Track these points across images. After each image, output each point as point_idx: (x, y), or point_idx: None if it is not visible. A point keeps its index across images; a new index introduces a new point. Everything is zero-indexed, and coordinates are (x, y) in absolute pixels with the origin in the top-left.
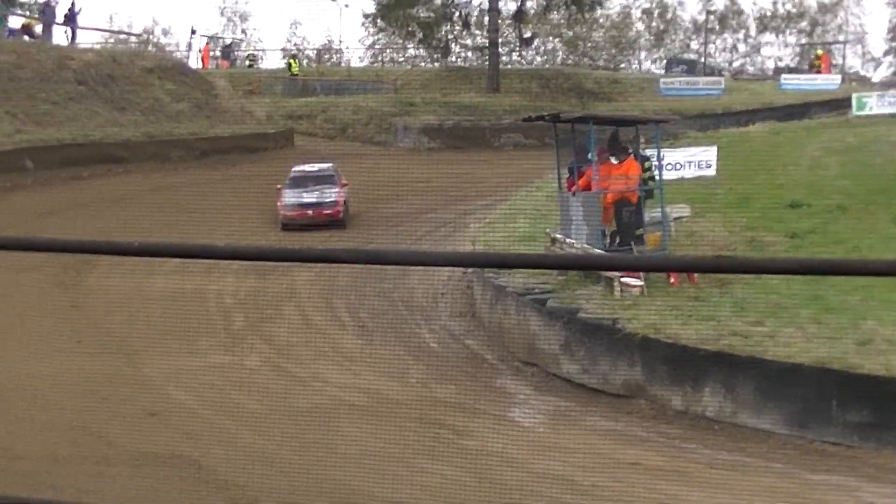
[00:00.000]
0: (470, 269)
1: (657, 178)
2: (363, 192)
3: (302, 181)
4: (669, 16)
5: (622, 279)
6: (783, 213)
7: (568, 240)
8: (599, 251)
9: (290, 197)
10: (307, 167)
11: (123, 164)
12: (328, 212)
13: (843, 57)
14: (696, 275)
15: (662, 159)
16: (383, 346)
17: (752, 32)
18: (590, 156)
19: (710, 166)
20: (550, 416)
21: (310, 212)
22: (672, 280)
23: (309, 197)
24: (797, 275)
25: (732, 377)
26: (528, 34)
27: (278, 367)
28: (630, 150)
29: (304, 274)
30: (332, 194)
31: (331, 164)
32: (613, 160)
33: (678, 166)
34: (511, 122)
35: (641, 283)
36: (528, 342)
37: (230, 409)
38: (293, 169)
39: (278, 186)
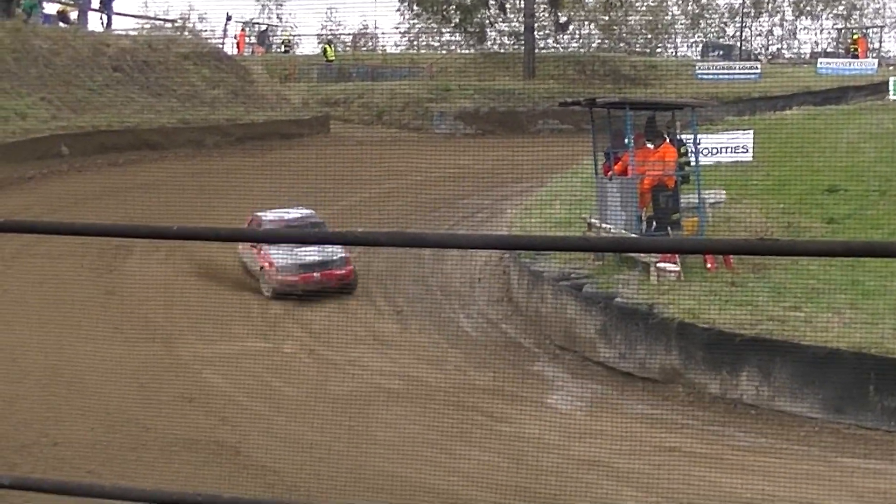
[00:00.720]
0: (506, 255)
1: (692, 162)
2: (400, 177)
3: None
4: (705, 0)
5: (659, 264)
6: (820, 199)
7: (605, 225)
8: (636, 236)
9: (283, 255)
10: (283, 213)
11: (159, 150)
12: (340, 272)
13: (881, 41)
14: (732, 260)
15: (699, 144)
16: (420, 332)
17: (789, 16)
18: (626, 141)
19: (747, 151)
20: (588, 401)
21: (316, 274)
22: (709, 265)
23: (311, 254)
24: (838, 257)
25: (769, 362)
26: (563, 19)
27: (315, 353)
28: (666, 135)
29: None
30: (337, 247)
31: (311, 210)
32: (650, 145)
33: (715, 151)
34: (547, 108)
35: (678, 268)
36: (565, 328)
37: (267, 394)
38: (265, 219)
39: (254, 249)
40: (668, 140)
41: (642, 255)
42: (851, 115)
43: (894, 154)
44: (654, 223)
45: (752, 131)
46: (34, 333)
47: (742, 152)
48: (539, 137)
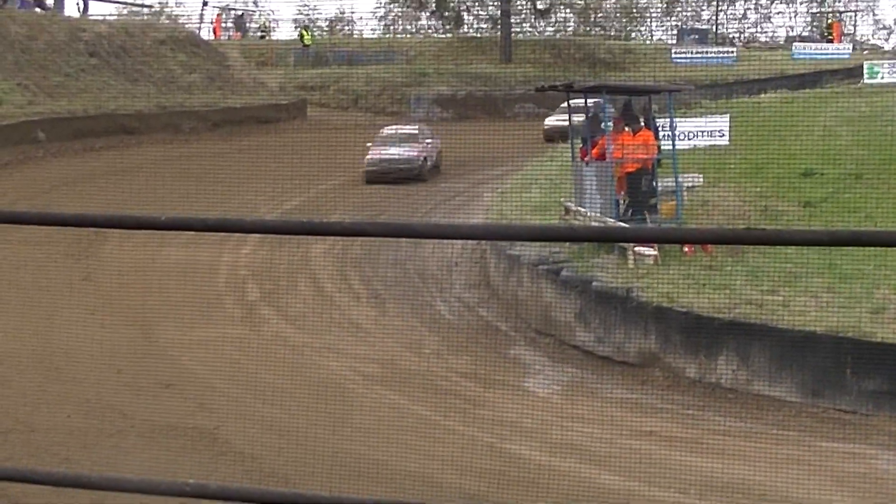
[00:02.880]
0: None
1: (663, 147)
2: None
3: None
4: None
5: (636, 248)
6: (797, 182)
7: (581, 209)
8: (613, 221)
9: None
10: None
11: (136, 135)
12: None
13: (855, 25)
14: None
15: (675, 128)
16: (397, 317)
17: (764, 1)
18: (603, 125)
19: (723, 135)
20: (565, 385)
21: None
22: (686, 249)
23: None
24: (825, 246)
25: (747, 346)
26: (541, 5)
27: (293, 339)
28: (641, 120)
29: (319, 245)
30: None
31: None
32: (628, 130)
33: (691, 135)
34: (524, 92)
35: (655, 252)
36: (542, 312)
37: (245, 380)
38: None
39: None
40: (644, 125)
41: None
42: (827, 100)
43: (869, 138)
44: (632, 208)
45: (728, 115)
46: (10, 320)
47: (718, 136)
48: (515, 121)
